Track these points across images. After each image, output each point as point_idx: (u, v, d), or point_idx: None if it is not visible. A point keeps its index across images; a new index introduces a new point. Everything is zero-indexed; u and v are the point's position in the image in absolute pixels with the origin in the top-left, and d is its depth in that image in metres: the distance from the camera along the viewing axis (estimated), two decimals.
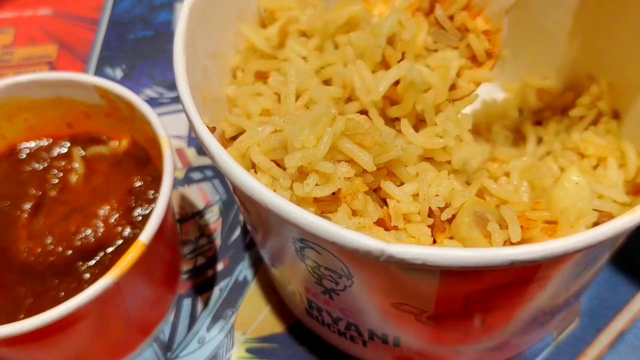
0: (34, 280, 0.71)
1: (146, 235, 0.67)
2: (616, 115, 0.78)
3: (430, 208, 0.60)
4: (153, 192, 0.77)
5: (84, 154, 0.83)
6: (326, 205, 0.58)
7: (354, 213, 0.58)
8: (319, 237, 0.49)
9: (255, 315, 0.83)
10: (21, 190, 0.79)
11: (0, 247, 0.74)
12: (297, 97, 0.66)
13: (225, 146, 0.58)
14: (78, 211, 0.76)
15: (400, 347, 0.68)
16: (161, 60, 1.15)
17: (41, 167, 0.82)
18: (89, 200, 0.78)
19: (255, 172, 0.61)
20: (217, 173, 0.97)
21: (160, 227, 0.68)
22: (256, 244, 0.83)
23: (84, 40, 1.19)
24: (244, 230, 0.91)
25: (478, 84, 0.68)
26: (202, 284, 0.85)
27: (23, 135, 0.83)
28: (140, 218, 0.76)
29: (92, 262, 0.73)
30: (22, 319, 0.62)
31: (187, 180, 0.97)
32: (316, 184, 0.56)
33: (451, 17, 0.68)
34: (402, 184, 0.61)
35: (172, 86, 1.07)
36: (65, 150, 0.83)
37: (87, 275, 0.72)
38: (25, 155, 0.83)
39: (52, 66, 1.15)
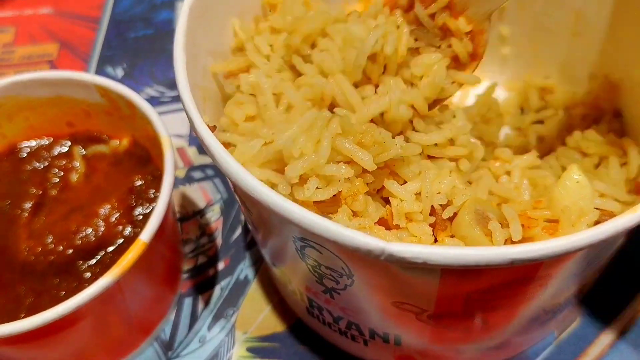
0: (34, 279, 0.71)
1: (147, 234, 0.67)
2: (618, 114, 0.78)
3: (432, 206, 0.60)
4: (154, 191, 0.77)
5: (84, 152, 0.83)
6: (326, 207, 0.58)
7: (355, 214, 0.58)
8: (320, 236, 0.49)
9: (256, 315, 0.82)
10: (22, 189, 0.79)
11: (1, 246, 0.74)
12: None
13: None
14: (79, 210, 0.76)
15: (401, 346, 0.68)
16: (162, 59, 1.15)
17: (42, 166, 0.82)
18: (89, 199, 0.78)
19: None
20: (218, 172, 0.97)
21: (161, 226, 0.68)
22: (257, 243, 0.83)
23: (84, 39, 1.19)
24: (245, 230, 0.90)
25: (461, 85, 0.67)
26: (203, 283, 0.85)
27: (23, 134, 0.83)
28: (141, 217, 0.76)
29: (93, 261, 0.73)
30: (23, 318, 0.62)
31: (188, 179, 0.97)
32: (316, 187, 0.56)
33: (432, 16, 0.66)
34: (405, 183, 0.61)
35: (173, 85, 1.06)
36: (65, 149, 0.83)
37: (88, 275, 0.72)
38: (25, 154, 0.83)
39: (53, 65, 1.15)
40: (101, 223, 0.74)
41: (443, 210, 0.60)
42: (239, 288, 0.85)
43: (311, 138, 0.56)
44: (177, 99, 1.06)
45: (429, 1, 0.65)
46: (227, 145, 0.63)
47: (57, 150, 0.83)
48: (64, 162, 0.81)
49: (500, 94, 0.92)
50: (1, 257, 0.73)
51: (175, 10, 1.23)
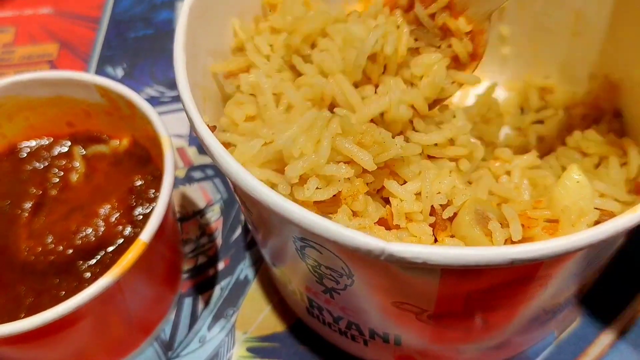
0: (34, 279, 0.71)
1: (147, 234, 0.66)
2: (618, 114, 0.78)
3: (432, 206, 0.60)
4: (154, 191, 0.77)
5: (84, 152, 0.83)
6: (326, 207, 0.58)
7: (355, 214, 0.58)
8: (320, 236, 0.49)
9: (256, 315, 0.82)
10: (22, 189, 0.79)
11: (1, 246, 0.74)
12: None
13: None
14: (79, 210, 0.76)
15: (401, 346, 0.68)
16: (162, 59, 1.15)
17: (42, 166, 0.82)
18: (89, 199, 0.77)
19: None
20: (218, 172, 0.97)
21: (161, 226, 0.68)
22: (257, 243, 0.83)
23: (84, 39, 1.19)
24: (245, 230, 0.90)
25: (461, 85, 0.67)
26: (203, 283, 0.85)
27: (23, 134, 0.83)
28: (141, 217, 0.76)
29: (93, 261, 0.73)
30: (23, 317, 0.62)
31: (188, 179, 0.97)
32: (316, 188, 0.56)
33: (432, 16, 0.66)
34: (405, 183, 0.61)
35: (173, 85, 1.06)
36: (65, 149, 0.83)
37: (88, 274, 0.72)
38: (25, 154, 0.83)
39: (53, 65, 1.15)
40: (101, 223, 0.74)
41: (443, 210, 0.60)
42: (239, 288, 0.85)
43: (311, 138, 0.56)
44: (177, 99, 1.06)
45: (429, 1, 0.65)
46: (227, 145, 0.63)
47: (57, 150, 0.83)
48: (64, 162, 0.81)
49: (500, 94, 0.92)
50: (1, 257, 0.73)
51: (176, 10, 1.23)
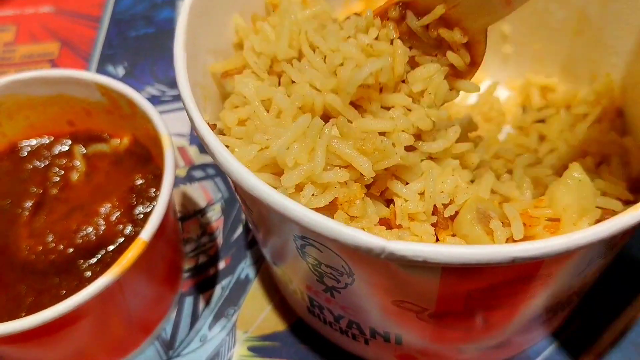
0: (35, 278, 0.71)
1: (147, 233, 0.66)
2: (620, 113, 0.78)
3: (434, 205, 0.59)
4: (154, 190, 0.77)
5: (85, 151, 0.83)
6: (323, 212, 0.57)
7: (352, 219, 0.57)
8: (320, 235, 0.49)
9: (257, 314, 0.82)
10: (22, 188, 0.79)
11: (1, 245, 0.74)
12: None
13: None
14: (79, 209, 0.76)
15: (402, 345, 0.68)
16: (163, 58, 1.15)
17: (42, 165, 0.82)
18: (90, 198, 0.78)
19: None
20: (219, 171, 0.97)
21: (162, 224, 0.68)
22: (258, 242, 0.83)
23: (85, 37, 1.19)
24: (246, 229, 0.90)
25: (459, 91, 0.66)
26: (204, 282, 0.85)
27: (24, 133, 0.83)
28: (142, 216, 0.75)
29: (94, 260, 0.73)
30: (24, 317, 0.62)
31: (189, 179, 0.97)
32: (312, 194, 0.56)
33: (426, 26, 0.63)
34: (407, 183, 0.60)
35: (174, 84, 1.06)
36: (66, 148, 0.83)
37: (89, 273, 0.72)
38: (26, 153, 0.83)
39: (54, 64, 1.15)
40: (102, 222, 0.74)
41: (445, 209, 0.60)
42: (240, 287, 0.85)
43: (305, 146, 0.56)
44: (178, 98, 1.06)
45: (422, 12, 0.62)
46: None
47: (57, 149, 0.83)
48: (64, 161, 0.81)
49: (502, 93, 0.92)
50: (2, 256, 0.73)
51: (176, 8, 1.23)
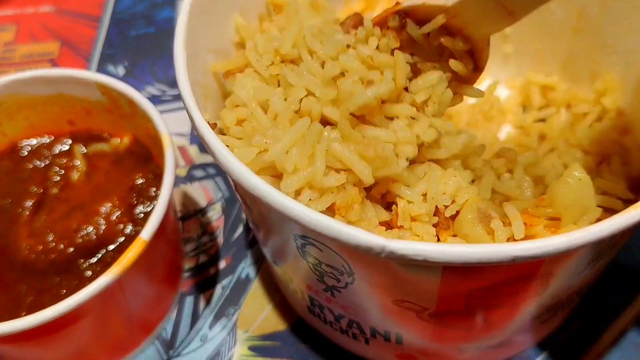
0: (35, 278, 0.71)
1: (147, 232, 0.66)
2: (620, 112, 0.78)
3: (436, 206, 0.59)
4: (155, 189, 0.77)
5: (85, 151, 0.83)
6: None
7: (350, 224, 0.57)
8: (320, 234, 0.49)
9: (258, 313, 0.82)
10: (22, 188, 0.79)
11: (2, 244, 0.74)
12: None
13: None
14: (79, 208, 0.76)
15: (402, 344, 0.68)
16: (163, 58, 1.15)
17: (42, 165, 0.82)
18: (90, 197, 0.77)
19: None
20: (219, 171, 0.97)
21: (162, 224, 0.68)
22: (258, 242, 0.83)
23: (85, 37, 1.19)
24: (247, 228, 0.90)
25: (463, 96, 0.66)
26: (204, 282, 0.85)
27: (24, 133, 0.83)
28: (142, 215, 0.75)
29: (94, 259, 0.73)
30: (24, 316, 0.62)
31: (190, 178, 0.97)
32: (309, 199, 0.56)
33: (427, 34, 0.62)
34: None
35: (174, 83, 1.06)
36: (66, 147, 0.83)
37: (89, 273, 0.72)
38: (26, 153, 0.83)
39: (54, 63, 1.15)
40: (102, 221, 0.74)
41: (446, 209, 0.60)
42: (240, 287, 0.85)
43: (304, 151, 0.55)
44: (179, 97, 1.06)
45: (422, 20, 0.61)
46: None
47: (58, 148, 0.83)
48: (64, 161, 0.81)
49: (502, 92, 0.91)
50: (2, 255, 0.73)
51: (177, 8, 1.23)
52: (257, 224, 0.67)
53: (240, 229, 0.90)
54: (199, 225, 0.91)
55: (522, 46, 0.90)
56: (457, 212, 0.59)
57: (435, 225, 0.59)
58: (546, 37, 0.87)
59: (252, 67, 0.67)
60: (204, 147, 0.78)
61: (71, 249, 0.72)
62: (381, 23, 0.63)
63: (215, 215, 0.92)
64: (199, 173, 0.97)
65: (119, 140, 0.83)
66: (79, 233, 0.73)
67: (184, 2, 0.65)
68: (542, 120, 0.85)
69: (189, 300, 0.83)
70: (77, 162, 0.81)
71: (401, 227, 0.58)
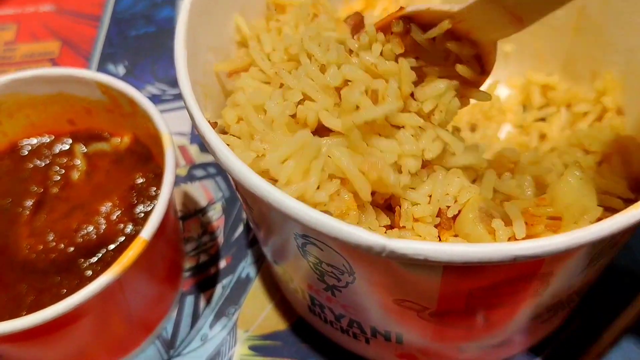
0: (35, 278, 0.71)
1: (147, 232, 0.66)
2: (620, 111, 0.78)
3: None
4: (155, 189, 0.77)
5: (85, 150, 0.83)
6: None
7: None
8: (321, 233, 0.49)
9: (258, 313, 0.82)
10: (23, 187, 0.79)
11: (2, 244, 0.74)
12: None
13: None
14: (80, 208, 0.76)
15: (402, 344, 0.68)
16: (163, 57, 1.15)
17: (43, 164, 0.82)
18: (90, 197, 0.77)
19: None
20: (220, 170, 0.97)
21: (162, 223, 0.68)
22: (259, 241, 0.83)
23: (86, 36, 1.19)
24: (247, 228, 0.90)
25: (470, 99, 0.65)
26: (205, 282, 0.85)
27: (24, 132, 0.83)
28: (142, 215, 0.75)
29: (94, 259, 0.72)
30: (24, 316, 0.62)
31: (190, 178, 0.97)
32: None
33: (433, 39, 0.61)
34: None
35: (175, 83, 1.07)
36: (67, 147, 0.83)
37: (89, 272, 0.71)
38: (26, 152, 0.83)
39: (55, 63, 1.15)
40: (102, 221, 0.74)
41: (448, 209, 0.60)
42: (241, 286, 0.85)
43: (300, 165, 0.55)
44: (179, 97, 1.06)
45: (427, 25, 0.60)
46: None
47: (58, 148, 0.83)
48: (65, 160, 0.81)
49: (502, 92, 0.91)
50: (2, 255, 0.73)
51: (177, 7, 1.23)
52: (258, 224, 0.67)
53: (240, 229, 0.90)
54: (199, 225, 0.91)
55: (523, 45, 0.90)
56: (459, 212, 0.59)
57: (437, 226, 0.59)
58: (546, 36, 0.87)
59: (256, 66, 0.67)
60: (204, 147, 0.78)
61: (71, 249, 0.72)
62: (384, 28, 0.62)
63: (215, 214, 0.92)
64: (199, 172, 0.97)
65: (119, 140, 0.83)
66: (79, 232, 0.73)
67: (184, 2, 0.65)
68: (543, 119, 0.85)
69: (190, 300, 0.83)
70: (78, 162, 0.81)
71: (403, 227, 0.58)
